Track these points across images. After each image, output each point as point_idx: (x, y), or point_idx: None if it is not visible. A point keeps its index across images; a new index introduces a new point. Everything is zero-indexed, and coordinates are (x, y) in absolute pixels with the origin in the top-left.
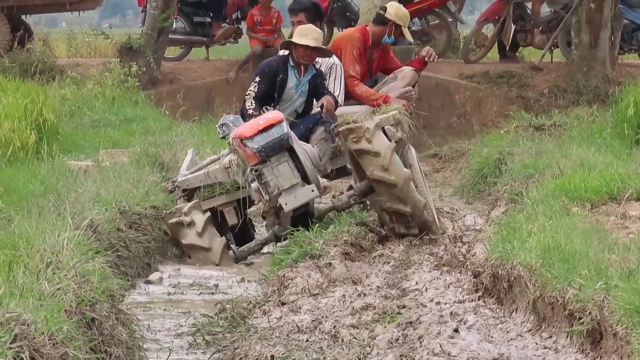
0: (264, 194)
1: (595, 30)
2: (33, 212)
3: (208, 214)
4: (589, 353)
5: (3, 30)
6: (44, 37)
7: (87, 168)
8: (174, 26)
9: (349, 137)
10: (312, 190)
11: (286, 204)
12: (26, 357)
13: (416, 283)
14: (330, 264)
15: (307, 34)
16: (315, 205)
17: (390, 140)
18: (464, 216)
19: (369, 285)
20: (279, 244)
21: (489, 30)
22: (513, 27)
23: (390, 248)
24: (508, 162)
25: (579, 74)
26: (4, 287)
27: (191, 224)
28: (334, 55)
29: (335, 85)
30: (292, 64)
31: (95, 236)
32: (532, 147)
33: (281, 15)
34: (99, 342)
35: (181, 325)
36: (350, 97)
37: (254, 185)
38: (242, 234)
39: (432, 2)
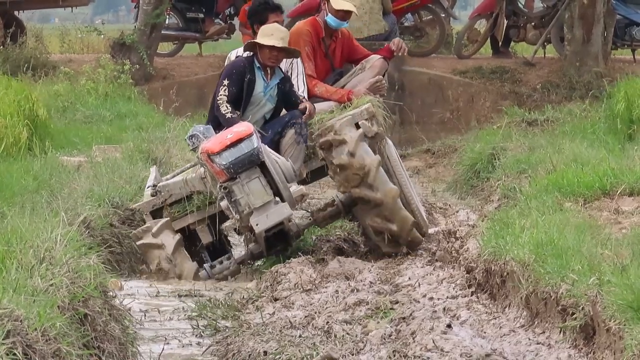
0: (234, 213)
1: (588, 25)
2: (26, 208)
3: (179, 236)
4: (582, 348)
5: None
6: (36, 33)
7: (79, 164)
8: (166, 22)
9: (330, 150)
10: (286, 209)
11: (257, 225)
12: (19, 353)
13: (409, 278)
14: (323, 259)
15: (272, 34)
16: (295, 215)
17: (366, 135)
18: (457, 211)
19: (361, 280)
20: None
21: (482, 25)
22: (505, 22)
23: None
24: (501, 158)
25: (572, 70)
26: None
27: (161, 246)
28: None
29: (299, 83)
30: (258, 65)
31: (89, 232)
32: (525, 143)
33: None
34: (92, 338)
35: (171, 319)
36: (310, 96)
37: (224, 203)
38: (218, 250)
39: None
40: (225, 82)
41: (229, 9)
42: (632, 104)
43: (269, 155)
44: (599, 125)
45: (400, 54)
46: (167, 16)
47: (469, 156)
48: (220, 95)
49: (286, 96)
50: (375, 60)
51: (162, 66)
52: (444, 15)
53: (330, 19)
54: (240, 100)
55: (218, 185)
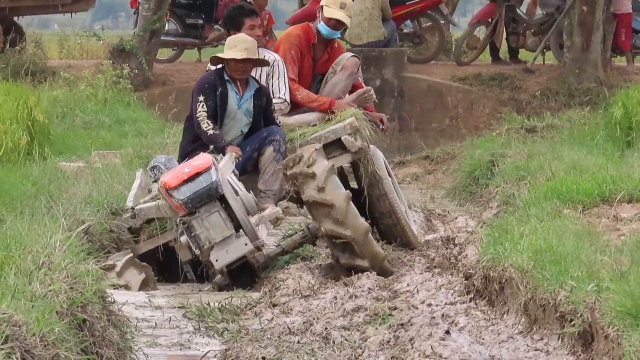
0: (194, 248)
1: (587, 33)
2: (25, 213)
3: (144, 275)
4: (580, 355)
5: None
6: (36, 39)
7: (79, 169)
8: (166, 28)
9: (299, 182)
10: (246, 244)
11: (217, 261)
12: (17, 358)
13: (407, 285)
14: (322, 265)
15: (235, 45)
16: (267, 241)
17: (349, 151)
18: (456, 218)
19: (360, 286)
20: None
21: (481, 32)
22: (504, 29)
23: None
24: (500, 164)
25: (571, 77)
26: None
27: (126, 287)
28: (274, 53)
29: (280, 85)
30: (227, 77)
31: (87, 237)
32: (524, 149)
33: (272, 17)
34: (90, 344)
35: (172, 326)
36: (292, 101)
37: (183, 239)
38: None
39: (425, 5)
40: (201, 97)
41: None
42: (631, 111)
43: (229, 187)
44: (597, 132)
45: (382, 129)
46: (167, 22)
47: (468, 163)
48: (199, 111)
49: (264, 113)
50: (345, 60)
51: (162, 72)
52: (443, 21)
53: (322, 27)
54: (216, 114)
55: (177, 220)
